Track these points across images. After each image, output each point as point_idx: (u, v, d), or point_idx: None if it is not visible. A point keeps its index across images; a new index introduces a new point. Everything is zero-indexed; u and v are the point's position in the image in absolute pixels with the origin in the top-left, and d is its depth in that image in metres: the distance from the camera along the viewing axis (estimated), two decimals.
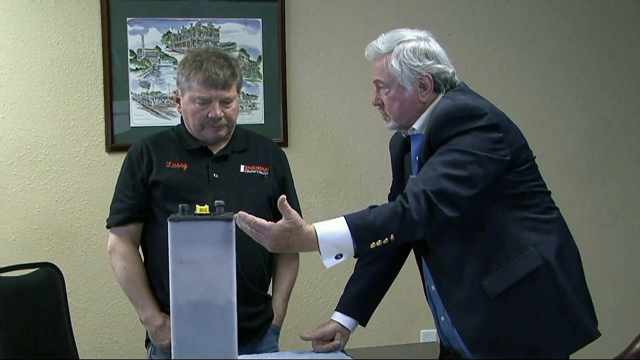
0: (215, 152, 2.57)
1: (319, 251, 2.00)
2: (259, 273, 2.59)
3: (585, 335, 2.15)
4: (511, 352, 2.12)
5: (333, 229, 2.01)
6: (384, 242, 2.00)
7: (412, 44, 2.20)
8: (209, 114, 2.49)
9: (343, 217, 2.02)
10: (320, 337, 2.37)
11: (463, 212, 2.08)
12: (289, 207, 2.00)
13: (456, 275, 2.16)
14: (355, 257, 2.06)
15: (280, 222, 1.99)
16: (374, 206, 2.06)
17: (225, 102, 2.51)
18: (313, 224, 2.02)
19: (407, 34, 2.24)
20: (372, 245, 2.00)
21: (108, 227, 2.62)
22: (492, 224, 2.14)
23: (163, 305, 2.55)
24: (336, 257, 2.01)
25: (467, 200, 2.06)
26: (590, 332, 2.16)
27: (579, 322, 2.14)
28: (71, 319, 3.03)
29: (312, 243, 2.00)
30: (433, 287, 2.26)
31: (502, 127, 2.12)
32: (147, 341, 2.65)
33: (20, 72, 3.49)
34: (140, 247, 2.66)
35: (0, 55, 3.47)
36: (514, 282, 2.10)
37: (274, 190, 2.60)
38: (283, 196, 2.05)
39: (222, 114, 2.50)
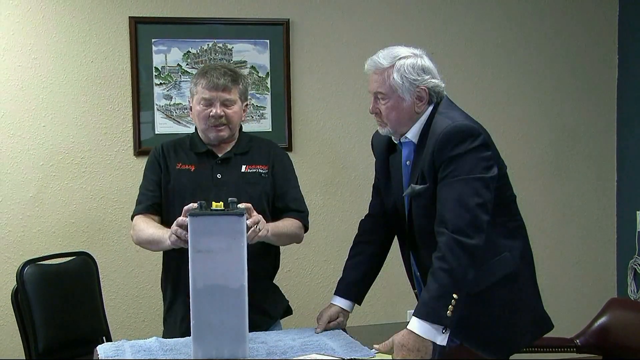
0: (220, 155, 2.53)
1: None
2: (265, 265, 2.54)
3: (544, 326, 2.19)
4: (483, 339, 2.11)
5: (417, 330, 1.92)
6: (454, 303, 1.92)
7: (410, 60, 2.13)
8: (211, 113, 2.46)
9: (413, 316, 1.94)
10: (328, 321, 2.33)
11: None
12: None
13: None
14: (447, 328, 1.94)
15: None
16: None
17: (225, 104, 2.47)
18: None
19: (404, 50, 2.17)
20: (449, 313, 1.91)
21: (132, 217, 2.56)
22: None
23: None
24: (442, 332, 1.93)
25: (487, 222, 1.98)
26: (548, 324, 2.19)
27: (539, 316, 2.18)
28: (104, 301, 3.04)
29: (426, 342, 1.92)
30: (419, 273, 2.22)
31: (489, 144, 2.07)
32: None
33: (60, 86, 3.48)
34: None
35: (42, 72, 3.47)
36: (489, 285, 2.07)
37: (272, 187, 2.53)
38: None
39: (223, 112, 2.45)
